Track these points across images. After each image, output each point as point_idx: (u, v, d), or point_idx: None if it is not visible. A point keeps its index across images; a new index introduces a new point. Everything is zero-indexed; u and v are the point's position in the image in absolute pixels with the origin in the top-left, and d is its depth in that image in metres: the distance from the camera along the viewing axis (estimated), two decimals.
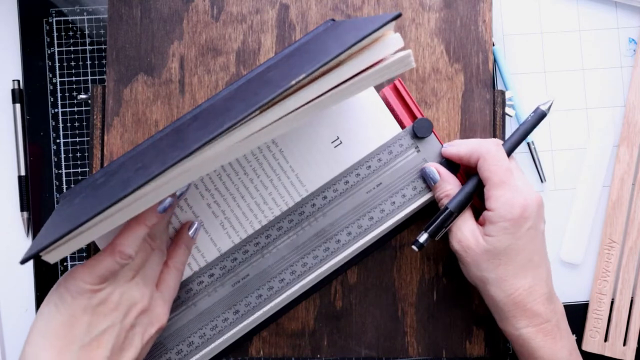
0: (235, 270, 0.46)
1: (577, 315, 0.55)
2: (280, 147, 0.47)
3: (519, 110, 0.55)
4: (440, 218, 0.44)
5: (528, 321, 0.42)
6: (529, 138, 0.55)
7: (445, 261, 0.49)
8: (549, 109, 0.45)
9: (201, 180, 0.46)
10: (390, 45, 0.34)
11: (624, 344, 0.54)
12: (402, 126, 0.47)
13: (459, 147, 0.45)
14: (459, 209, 0.44)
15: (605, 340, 0.54)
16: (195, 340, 0.46)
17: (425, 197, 0.46)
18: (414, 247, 0.44)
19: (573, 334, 0.54)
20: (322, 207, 0.46)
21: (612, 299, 0.54)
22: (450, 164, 0.46)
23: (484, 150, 0.43)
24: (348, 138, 0.47)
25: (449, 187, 0.45)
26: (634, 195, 0.54)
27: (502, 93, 0.50)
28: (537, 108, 0.45)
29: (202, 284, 0.46)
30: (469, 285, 0.49)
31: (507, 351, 0.56)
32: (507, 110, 0.51)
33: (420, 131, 0.46)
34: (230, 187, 0.47)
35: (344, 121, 0.47)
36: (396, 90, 0.47)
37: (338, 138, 0.47)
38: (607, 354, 0.54)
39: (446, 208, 0.44)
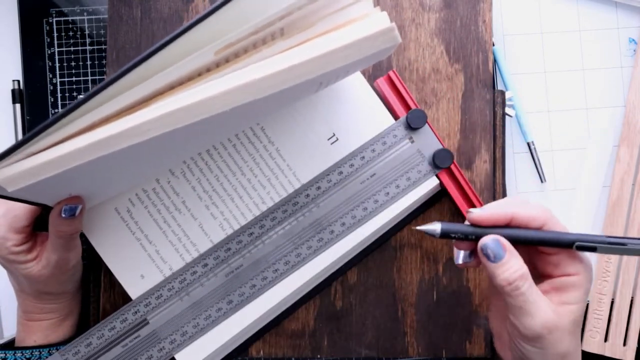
0: (228, 261, 0.46)
1: None
2: (276, 145, 0.47)
3: (519, 110, 0.55)
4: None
5: None
6: (529, 138, 0.55)
7: (445, 261, 0.49)
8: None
9: (199, 182, 0.46)
10: (374, 22, 0.33)
11: (624, 344, 0.54)
12: (396, 117, 0.47)
13: (533, 210, 0.38)
14: None
15: (605, 340, 0.54)
16: (189, 330, 0.46)
17: (420, 190, 0.46)
18: None
19: None
20: (316, 198, 0.46)
21: (612, 299, 0.54)
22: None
23: (550, 216, 0.38)
24: (344, 134, 0.47)
25: (519, 262, 0.37)
26: (634, 195, 0.54)
27: (502, 93, 0.50)
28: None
29: (196, 273, 0.46)
30: (469, 285, 0.49)
31: None
32: (507, 110, 0.51)
33: (414, 122, 0.46)
34: (227, 187, 0.47)
35: (339, 117, 0.47)
36: (390, 81, 0.47)
37: (334, 135, 0.47)
38: (607, 354, 0.54)
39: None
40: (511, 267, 0.37)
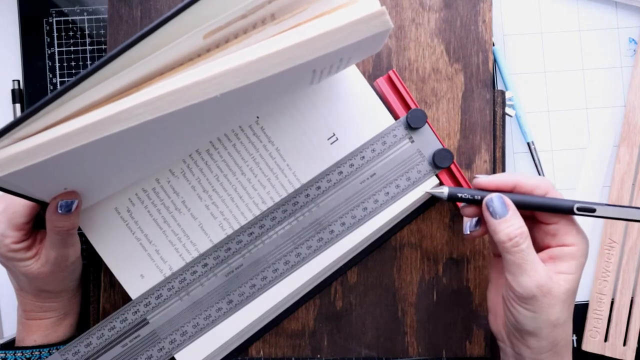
0: (228, 260, 0.46)
1: (577, 315, 0.54)
2: (276, 145, 0.47)
3: (519, 110, 0.55)
4: None
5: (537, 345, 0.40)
6: (529, 138, 0.55)
7: (445, 261, 0.49)
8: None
9: (199, 181, 0.46)
10: (365, 6, 0.32)
11: (624, 344, 0.54)
12: (396, 117, 0.47)
13: (536, 180, 0.41)
14: None
15: (605, 340, 0.54)
16: (189, 330, 0.46)
17: (420, 190, 0.46)
18: None
19: (573, 334, 0.54)
20: (316, 198, 0.46)
21: (612, 299, 0.54)
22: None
23: (552, 187, 0.41)
24: (344, 134, 0.47)
25: (520, 221, 0.39)
26: (634, 195, 0.54)
27: (502, 93, 0.50)
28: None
29: (196, 273, 0.46)
30: (469, 285, 0.49)
31: None
32: (507, 110, 0.51)
33: (414, 122, 0.46)
34: (227, 187, 0.47)
35: (339, 117, 0.47)
36: (390, 81, 0.47)
37: (334, 134, 0.47)
38: (607, 354, 0.54)
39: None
40: (513, 224, 0.39)
